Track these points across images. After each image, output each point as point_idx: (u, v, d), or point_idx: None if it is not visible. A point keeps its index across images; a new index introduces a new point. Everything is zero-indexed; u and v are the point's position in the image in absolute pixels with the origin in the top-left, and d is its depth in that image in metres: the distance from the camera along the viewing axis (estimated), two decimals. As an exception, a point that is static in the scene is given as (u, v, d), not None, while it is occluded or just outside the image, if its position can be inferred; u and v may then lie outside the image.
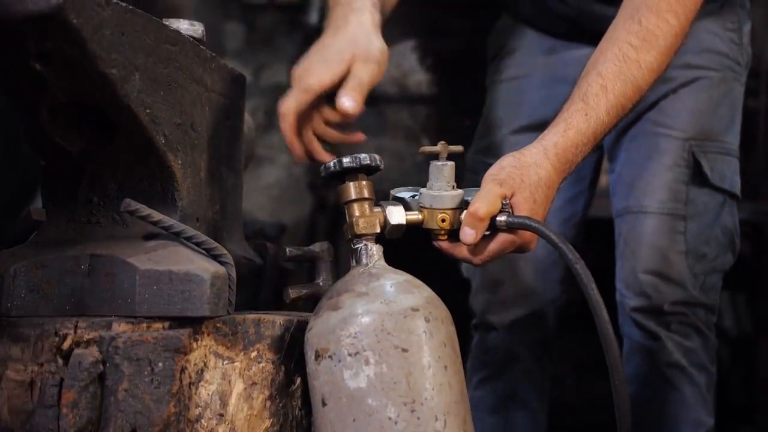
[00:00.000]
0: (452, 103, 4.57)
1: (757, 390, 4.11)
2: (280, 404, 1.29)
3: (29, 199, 3.10)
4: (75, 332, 1.19)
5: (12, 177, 2.90)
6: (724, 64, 2.05)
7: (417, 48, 4.85)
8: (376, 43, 1.61)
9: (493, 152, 2.07)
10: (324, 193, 4.30)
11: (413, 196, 1.42)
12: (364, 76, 1.56)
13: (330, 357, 1.24)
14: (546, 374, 2.26)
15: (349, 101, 1.54)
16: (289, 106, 1.58)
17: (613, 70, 1.51)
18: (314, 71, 1.57)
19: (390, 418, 1.21)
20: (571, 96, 1.52)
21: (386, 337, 1.23)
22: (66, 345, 1.18)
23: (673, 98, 2.01)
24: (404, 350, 1.23)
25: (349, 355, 1.23)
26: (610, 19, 1.94)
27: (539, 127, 2.09)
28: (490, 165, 2.01)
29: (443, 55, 4.77)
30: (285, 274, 1.54)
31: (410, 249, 1.60)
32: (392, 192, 1.44)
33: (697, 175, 2.01)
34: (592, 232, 2.30)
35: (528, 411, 2.23)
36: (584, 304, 1.33)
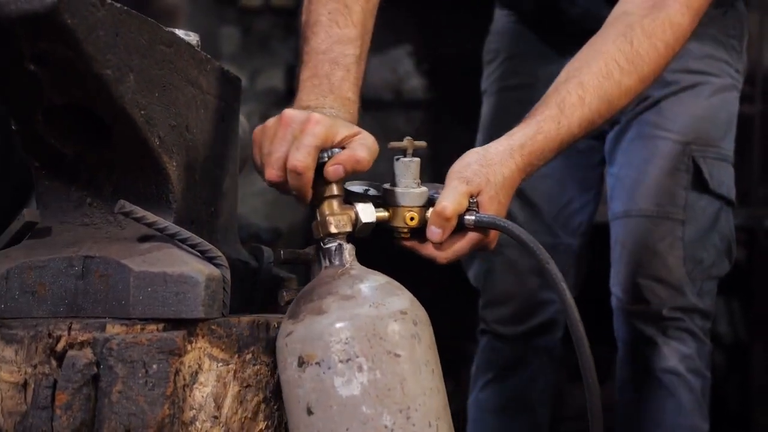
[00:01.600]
0: (448, 108, 4.57)
1: (752, 396, 4.11)
2: (275, 407, 1.29)
3: (24, 200, 3.09)
4: (69, 334, 1.18)
5: (6, 178, 2.90)
6: (724, 71, 2.05)
7: (412, 53, 4.86)
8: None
9: None
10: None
11: (366, 191, 1.38)
12: (364, 154, 1.30)
13: (318, 364, 1.19)
14: (550, 379, 2.27)
15: (334, 171, 1.30)
16: (309, 164, 1.28)
17: (595, 85, 1.49)
18: (324, 124, 1.30)
19: (386, 426, 1.17)
20: (547, 99, 1.50)
21: (379, 342, 1.19)
22: (60, 346, 1.18)
23: (673, 101, 2.01)
24: (397, 355, 1.20)
25: (340, 361, 1.19)
26: None
27: None
28: None
29: (439, 60, 4.77)
30: (280, 277, 1.54)
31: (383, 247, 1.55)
32: (345, 185, 1.35)
33: (697, 181, 2.01)
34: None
35: (531, 414, 2.24)
36: (579, 309, 1.33)
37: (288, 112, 1.32)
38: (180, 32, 1.34)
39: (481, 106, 2.27)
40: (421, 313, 1.26)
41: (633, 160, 2.05)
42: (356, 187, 1.38)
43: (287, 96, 5.00)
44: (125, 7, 1.17)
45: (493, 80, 2.23)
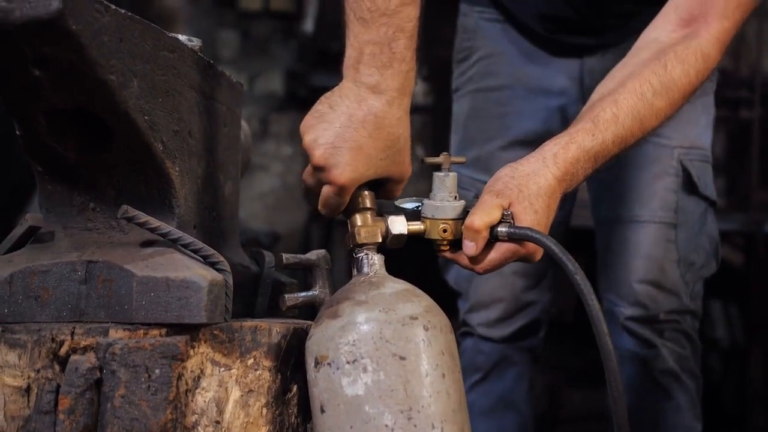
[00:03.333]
0: (447, 112, 4.58)
1: (749, 398, 4.12)
2: (277, 411, 1.29)
3: (22, 203, 3.10)
4: (72, 338, 1.19)
5: (5, 181, 2.91)
6: None
7: (411, 57, 4.85)
8: (408, 153, 1.41)
9: (482, 167, 2.07)
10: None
11: (417, 207, 1.43)
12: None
13: (329, 364, 1.24)
14: (533, 377, 2.28)
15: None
16: (334, 214, 1.40)
17: (629, 104, 1.50)
18: (346, 171, 1.33)
19: (387, 426, 1.21)
20: (581, 116, 1.51)
21: (384, 345, 1.23)
22: (63, 351, 1.18)
23: None
24: (402, 358, 1.23)
25: (348, 362, 1.23)
26: (607, 5, 1.95)
27: (530, 142, 2.09)
28: (479, 180, 2.01)
29: (437, 64, 4.78)
30: (281, 282, 1.54)
31: (418, 258, 1.60)
32: (396, 202, 1.44)
33: (687, 184, 2.02)
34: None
35: (518, 414, 2.24)
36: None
37: (315, 158, 1.34)
38: (183, 38, 1.34)
39: (453, 105, 2.24)
40: (437, 320, 1.28)
41: (618, 164, 2.05)
42: (408, 204, 1.44)
43: (286, 100, 5.01)
44: (129, 13, 1.18)
45: (467, 79, 2.20)
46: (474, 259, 1.40)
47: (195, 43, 1.37)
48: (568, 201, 2.19)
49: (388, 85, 1.34)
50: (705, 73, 1.58)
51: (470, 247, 1.38)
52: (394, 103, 1.34)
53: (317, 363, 1.25)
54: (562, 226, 2.19)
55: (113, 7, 1.14)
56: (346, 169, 1.33)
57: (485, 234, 1.38)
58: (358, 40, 1.34)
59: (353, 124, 1.33)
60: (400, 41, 1.34)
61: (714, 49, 1.58)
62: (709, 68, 1.59)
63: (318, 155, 1.33)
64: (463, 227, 1.39)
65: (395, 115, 1.35)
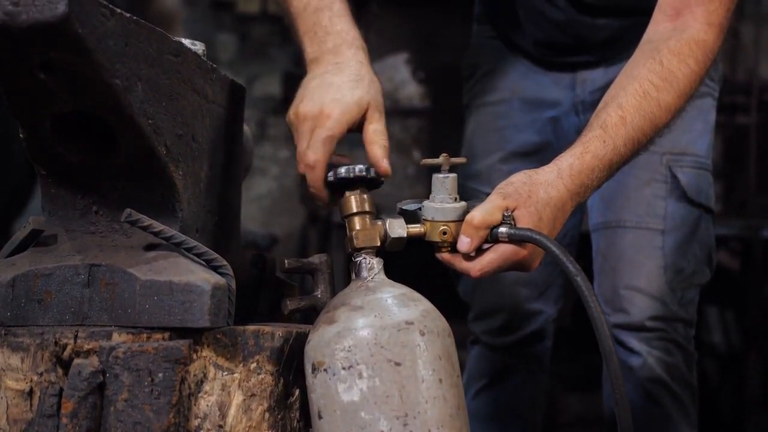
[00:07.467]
0: (444, 116, 4.58)
1: (746, 404, 4.12)
2: (279, 416, 1.29)
3: (20, 209, 3.09)
4: (75, 342, 1.19)
5: (5, 184, 2.90)
6: None
7: (409, 61, 4.87)
8: (378, 86, 1.52)
9: (483, 179, 2.07)
10: (315, 205, 4.30)
11: (419, 209, 1.42)
12: (383, 129, 1.49)
13: (325, 370, 1.24)
14: (540, 386, 2.27)
15: (388, 166, 1.46)
16: (319, 158, 1.42)
17: (634, 105, 1.51)
18: (333, 116, 1.44)
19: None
20: (589, 124, 1.52)
21: (379, 351, 1.23)
22: (66, 354, 1.18)
23: None
24: (397, 364, 1.23)
25: (343, 368, 1.23)
26: (596, 28, 1.96)
27: (527, 153, 2.10)
28: (480, 192, 2.02)
29: (435, 68, 4.78)
30: (283, 286, 1.54)
31: (426, 262, 1.59)
32: (398, 204, 1.44)
33: (675, 190, 2.02)
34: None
35: (522, 421, 2.24)
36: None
37: (302, 108, 1.46)
38: (186, 41, 1.34)
39: (465, 121, 2.27)
40: (434, 325, 1.27)
41: None
42: (410, 205, 1.43)
43: (284, 102, 5.01)
44: (134, 17, 1.18)
45: (473, 95, 2.23)
46: (471, 259, 1.40)
47: (198, 47, 1.38)
48: (578, 208, 2.19)
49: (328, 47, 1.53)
50: (706, 59, 1.57)
51: (465, 243, 1.38)
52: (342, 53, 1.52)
53: (314, 369, 1.25)
54: (575, 230, 2.19)
55: (118, 11, 1.15)
56: (325, 100, 1.44)
57: (483, 233, 1.38)
58: (299, 35, 1.60)
59: (320, 80, 1.50)
60: (324, 15, 1.56)
61: (708, 34, 1.57)
62: (710, 53, 1.58)
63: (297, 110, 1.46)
64: (463, 224, 1.39)
65: (356, 58, 1.51)
